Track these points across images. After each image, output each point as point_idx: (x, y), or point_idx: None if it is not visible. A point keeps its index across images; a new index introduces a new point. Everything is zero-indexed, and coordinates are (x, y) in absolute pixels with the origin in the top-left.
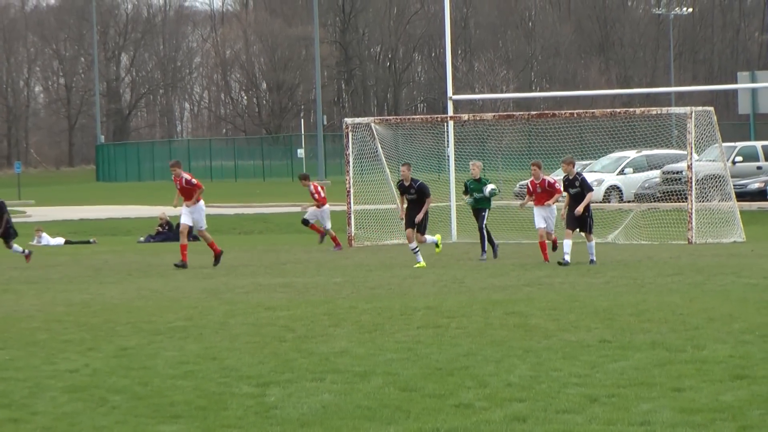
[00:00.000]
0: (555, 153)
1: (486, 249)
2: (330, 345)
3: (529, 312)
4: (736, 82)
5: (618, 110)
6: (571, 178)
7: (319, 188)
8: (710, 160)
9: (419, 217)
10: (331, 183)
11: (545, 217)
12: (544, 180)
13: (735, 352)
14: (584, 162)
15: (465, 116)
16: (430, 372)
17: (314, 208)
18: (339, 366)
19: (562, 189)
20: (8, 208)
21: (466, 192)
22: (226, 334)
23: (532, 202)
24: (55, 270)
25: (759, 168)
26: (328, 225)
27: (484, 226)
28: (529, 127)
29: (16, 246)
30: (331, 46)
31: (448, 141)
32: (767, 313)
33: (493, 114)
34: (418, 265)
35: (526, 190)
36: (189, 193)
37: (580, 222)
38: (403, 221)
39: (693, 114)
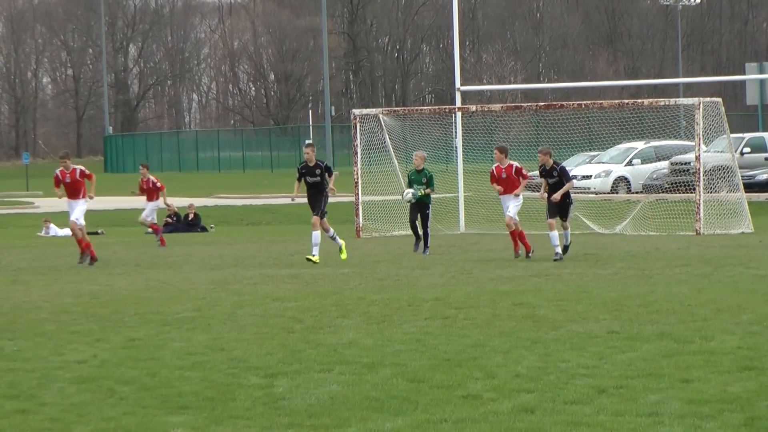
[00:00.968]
0: (564, 144)
1: (429, 244)
2: (338, 336)
3: (537, 303)
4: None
5: (626, 101)
6: (548, 168)
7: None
8: (718, 151)
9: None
10: (339, 174)
11: (509, 206)
12: (510, 165)
13: (743, 343)
14: (592, 153)
15: (473, 107)
16: (438, 363)
17: (152, 203)
18: (347, 357)
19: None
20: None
21: (409, 184)
22: (234, 325)
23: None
24: (63, 261)
25: (767, 159)
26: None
27: (428, 226)
28: (537, 118)
29: None
30: (339, 37)
31: (456, 132)
32: None
33: (501, 105)
34: (311, 257)
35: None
36: (74, 187)
37: (562, 209)
38: (310, 205)
39: (701, 105)
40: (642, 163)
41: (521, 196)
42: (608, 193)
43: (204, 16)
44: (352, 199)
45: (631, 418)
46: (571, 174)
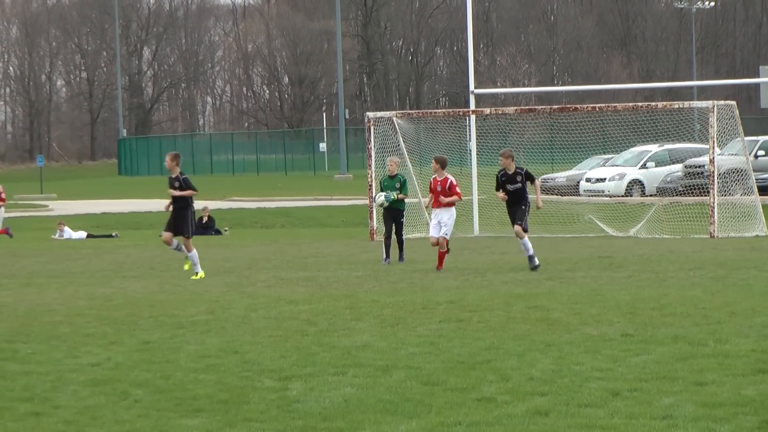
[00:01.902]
0: (577, 147)
1: (405, 251)
2: (352, 339)
3: (551, 306)
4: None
5: (640, 104)
6: (510, 173)
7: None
8: (732, 154)
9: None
10: (353, 177)
11: (441, 222)
12: (446, 179)
13: (757, 346)
14: (606, 156)
15: (487, 110)
16: (452, 366)
17: None
18: (361, 360)
19: (460, 191)
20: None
21: (382, 189)
22: (248, 328)
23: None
24: (77, 264)
25: None
26: None
27: (402, 233)
28: (551, 121)
29: None
30: (353, 40)
31: (470, 135)
32: None
33: (515, 108)
34: (187, 266)
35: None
36: None
37: (517, 213)
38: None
39: (715, 108)
40: (656, 166)
41: (454, 211)
42: (622, 196)
43: (218, 18)
44: (366, 201)
45: (645, 421)
46: (585, 177)
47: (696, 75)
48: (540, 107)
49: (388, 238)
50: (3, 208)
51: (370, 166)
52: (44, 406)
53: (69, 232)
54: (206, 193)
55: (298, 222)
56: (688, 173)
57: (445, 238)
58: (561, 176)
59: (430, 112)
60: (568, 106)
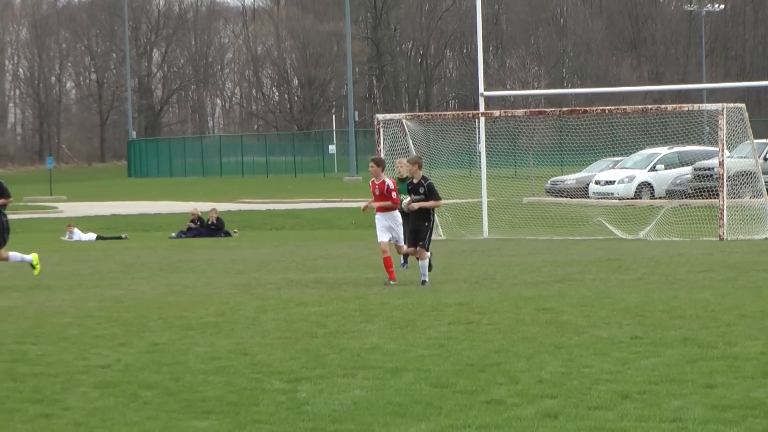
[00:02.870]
0: (587, 149)
1: (408, 261)
2: (361, 341)
3: (560, 308)
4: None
5: (650, 107)
6: (415, 182)
7: None
8: (742, 157)
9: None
10: (362, 179)
11: (389, 226)
12: (383, 182)
13: (767, 349)
14: (616, 158)
15: (496, 112)
16: (461, 368)
17: None
18: (370, 362)
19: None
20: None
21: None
22: (257, 330)
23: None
24: (86, 265)
25: None
26: None
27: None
28: (561, 124)
29: None
30: (362, 42)
31: (479, 137)
32: None
33: (525, 110)
34: (36, 271)
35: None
36: None
37: (419, 234)
38: None
39: (725, 111)
40: (665, 169)
41: (397, 215)
42: (632, 198)
43: (228, 20)
44: None
45: (655, 424)
46: (594, 179)
47: (705, 78)
48: (549, 109)
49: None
50: None
51: None
52: (54, 407)
53: (78, 234)
54: (216, 195)
55: (308, 224)
56: (698, 176)
57: (399, 245)
58: (570, 178)
59: (440, 115)
60: (578, 108)
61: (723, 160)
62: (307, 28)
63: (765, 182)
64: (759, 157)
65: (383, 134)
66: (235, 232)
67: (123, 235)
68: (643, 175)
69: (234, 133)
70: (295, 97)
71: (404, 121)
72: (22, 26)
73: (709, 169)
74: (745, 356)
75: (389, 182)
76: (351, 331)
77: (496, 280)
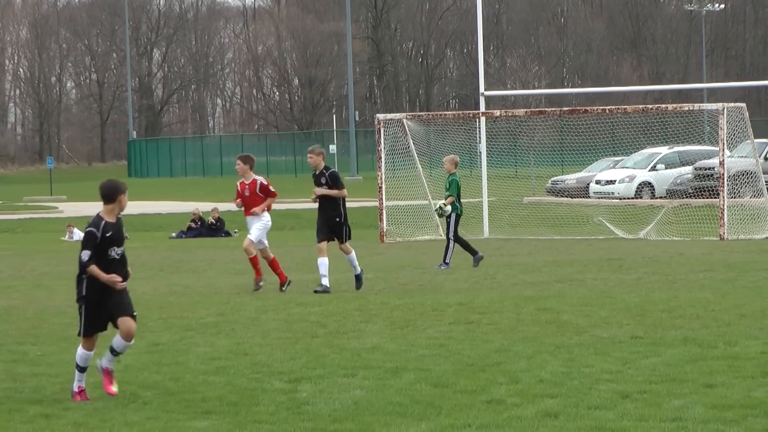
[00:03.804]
0: (587, 149)
1: (448, 260)
2: (361, 341)
3: (560, 308)
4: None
5: (650, 106)
6: (317, 173)
7: None
8: (742, 157)
9: None
10: (363, 179)
11: (257, 228)
12: (255, 181)
13: (767, 348)
14: (616, 158)
15: (497, 112)
16: (461, 368)
17: None
18: (370, 362)
19: (274, 191)
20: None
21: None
22: (257, 330)
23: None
24: None
25: None
26: None
27: (449, 233)
28: (561, 123)
29: None
30: (363, 42)
31: (480, 137)
32: None
33: (525, 110)
34: None
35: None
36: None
37: (332, 228)
38: None
39: (725, 110)
40: (666, 168)
41: (268, 217)
42: (632, 198)
43: (228, 20)
44: (377, 203)
45: (655, 423)
46: (595, 179)
47: (706, 77)
48: (550, 109)
49: (458, 242)
50: None
51: (380, 168)
52: (54, 407)
53: (78, 234)
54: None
55: (308, 224)
56: (698, 175)
57: (251, 240)
58: (571, 178)
59: (440, 114)
60: (578, 108)
61: (723, 160)
62: (307, 28)
63: (765, 182)
64: (759, 156)
65: (384, 134)
66: (235, 232)
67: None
68: (643, 175)
69: (234, 133)
70: (296, 97)
71: (405, 120)
72: (22, 26)
73: (709, 168)
74: (745, 356)
75: (262, 180)
76: (351, 331)
77: (497, 280)
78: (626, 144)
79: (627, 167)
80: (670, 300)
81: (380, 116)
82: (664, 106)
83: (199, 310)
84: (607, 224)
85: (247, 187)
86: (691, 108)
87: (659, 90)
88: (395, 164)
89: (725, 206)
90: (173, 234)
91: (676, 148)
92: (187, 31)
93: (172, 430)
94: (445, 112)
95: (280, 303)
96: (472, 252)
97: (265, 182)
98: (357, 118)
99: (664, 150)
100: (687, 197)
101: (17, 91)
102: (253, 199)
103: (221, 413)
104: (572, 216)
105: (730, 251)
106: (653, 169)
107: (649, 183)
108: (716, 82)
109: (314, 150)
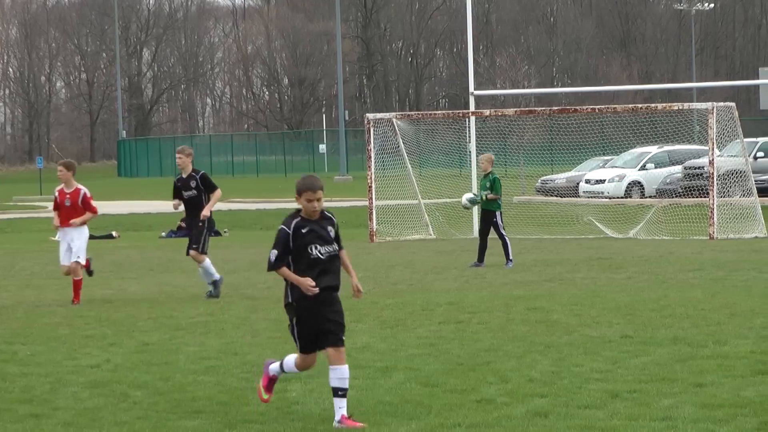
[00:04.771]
0: (577, 148)
1: (511, 257)
2: (352, 340)
3: (550, 307)
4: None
5: (640, 106)
6: (185, 176)
7: None
8: (732, 156)
9: None
10: (352, 178)
11: (72, 245)
12: (77, 190)
13: (756, 348)
14: (606, 157)
15: (487, 111)
16: (451, 367)
17: None
18: (361, 361)
19: (96, 208)
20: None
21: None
22: (247, 330)
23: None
24: None
25: None
26: None
27: (502, 232)
28: (551, 123)
29: None
30: (352, 42)
31: (469, 136)
32: None
33: (515, 109)
34: None
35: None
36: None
37: (195, 232)
38: None
39: (714, 110)
40: (655, 168)
41: (86, 230)
42: (622, 197)
43: (218, 20)
44: (366, 203)
45: (645, 423)
46: (584, 178)
47: (695, 77)
48: (539, 109)
49: (481, 241)
50: None
51: (369, 167)
52: (44, 407)
53: None
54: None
55: None
56: (688, 175)
57: (78, 263)
58: (560, 178)
59: (430, 114)
60: (568, 107)
61: (713, 159)
62: (297, 28)
63: (755, 181)
64: (749, 155)
65: (373, 133)
66: (225, 232)
67: (113, 233)
68: (633, 174)
69: (224, 133)
70: (286, 97)
71: (394, 120)
72: (11, 25)
73: (699, 168)
74: (734, 355)
75: (85, 190)
76: None
77: (486, 280)
78: (616, 143)
79: (617, 167)
80: (659, 299)
81: (370, 116)
82: (653, 105)
83: (189, 309)
84: (597, 223)
85: (68, 196)
86: (680, 107)
87: (649, 89)
88: (385, 164)
89: (715, 205)
90: (163, 233)
91: (666, 148)
92: (177, 31)
93: (162, 429)
94: (435, 112)
95: (269, 303)
96: (480, 258)
97: (89, 195)
98: (347, 118)
99: (653, 149)
100: (677, 196)
101: (6, 91)
102: (74, 210)
103: (211, 413)
104: (562, 215)
105: (719, 250)
106: (643, 168)
107: (639, 182)
108: (706, 81)
109: (184, 150)
